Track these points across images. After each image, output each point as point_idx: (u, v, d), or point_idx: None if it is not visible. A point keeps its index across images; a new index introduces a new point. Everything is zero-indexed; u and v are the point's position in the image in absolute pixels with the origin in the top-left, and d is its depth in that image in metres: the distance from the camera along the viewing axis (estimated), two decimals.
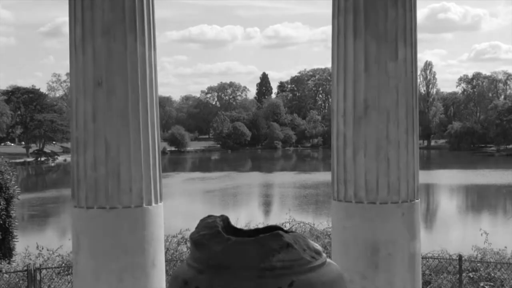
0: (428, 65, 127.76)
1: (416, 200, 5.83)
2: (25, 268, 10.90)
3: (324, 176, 67.56)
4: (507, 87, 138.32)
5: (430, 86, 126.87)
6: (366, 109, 5.64)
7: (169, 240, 13.77)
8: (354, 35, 5.65)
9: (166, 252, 13.14)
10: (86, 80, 5.60)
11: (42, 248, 13.11)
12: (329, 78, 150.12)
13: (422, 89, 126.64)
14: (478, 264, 12.04)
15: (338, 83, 5.81)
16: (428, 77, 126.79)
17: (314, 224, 15.50)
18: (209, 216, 2.52)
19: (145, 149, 5.72)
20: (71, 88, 5.75)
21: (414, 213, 5.78)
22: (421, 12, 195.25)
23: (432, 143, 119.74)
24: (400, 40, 5.63)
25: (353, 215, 5.71)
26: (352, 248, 5.70)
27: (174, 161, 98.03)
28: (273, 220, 33.66)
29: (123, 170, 5.61)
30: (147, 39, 5.74)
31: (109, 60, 5.57)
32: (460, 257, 10.73)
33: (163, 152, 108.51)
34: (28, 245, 13.18)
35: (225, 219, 2.51)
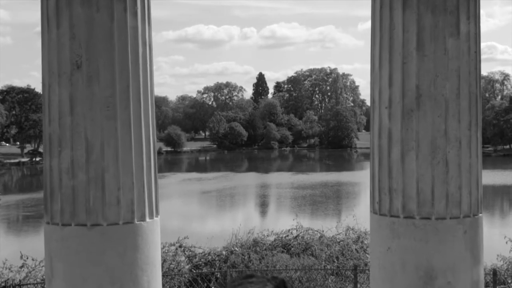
0: None
1: (480, 214, 4.62)
2: (3, 284, 9.65)
3: (321, 177, 66.94)
4: (504, 87, 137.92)
5: None
6: (418, 98, 4.43)
7: (166, 250, 12.54)
8: (403, 5, 4.44)
9: (162, 264, 11.91)
10: (61, 61, 4.38)
11: (27, 258, 11.86)
12: (325, 78, 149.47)
13: None
14: (505, 276, 10.99)
15: (381, 67, 4.59)
16: None
17: (323, 231, 14.32)
18: (250, 277, 1.29)
19: (137, 150, 4.50)
20: (43, 71, 4.53)
21: (477, 231, 4.58)
22: None
23: None
24: (462, 10, 4.42)
25: (401, 234, 4.50)
26: (400, 276, 4.49)
27: (170, 162, 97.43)
28: (275, 225, 32.59)
29: (108, 177, 4.39)
30: (140, 9, 4.52)
31: (91, 36, 4.35)
32: (494, 271, 9.57)
33: (159, 153, 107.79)
34: (6, 259, 11.89)
35: (279, 284, 1.28)
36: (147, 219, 4.56)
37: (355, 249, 13.44)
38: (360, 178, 66.33)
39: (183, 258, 13.20)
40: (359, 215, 15.62)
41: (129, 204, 4.45)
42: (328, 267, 12.40)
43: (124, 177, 4.42)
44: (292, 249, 13.37)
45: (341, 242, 13.95)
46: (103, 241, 4.38)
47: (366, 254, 13.41)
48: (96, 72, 4.35)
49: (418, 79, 4.42)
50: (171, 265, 12.58)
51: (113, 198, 4.40)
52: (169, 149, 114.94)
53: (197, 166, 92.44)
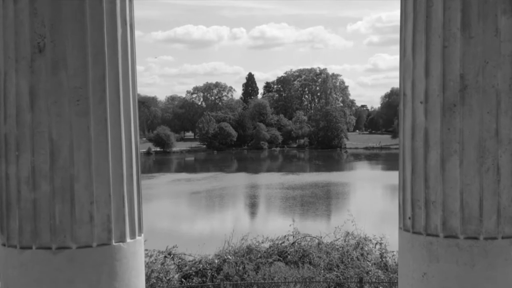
0: None
1: None
2: None
3: (311, 177, 66.49)
4: None
5: None
6: (463, 90, 3.60)
7: (153, 260, 11.66)
8: None
9: (149, 275, 11.04)
10: (19, 44, 3.50)
11: None
12: (315, 78, 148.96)
13: None
14: None
15: (415, 52, 3.75)
16: None
17: (321, 237, 13.51)
18: None
19: (115, 154, 3.62)
20: None
21: None
22: None
23: None
24: None
25: (440, 257, 3.66)
26: None
27: (159, 162, 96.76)
28: (266, 226, 31.85)
29: (79, 188, 3.52)
30: None
31: (57, 12, 3.47)
32: None
33: (148, 153, 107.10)
34: None
35: None
36: (128, 239, 3.69)
37: (356, 257, 12.64)
38: (349, 178, 65.84)
39: (172, 267, 12.34)
40: (355, 219, 14.84)
41: (105, 221, 3.58)
42: (328, 276, 11.58)
43: (98, 187, 3.55)
44: (289, 257, 12.54)
45: (340, 249, 13.16)
46: (72, 268, 3.51)
47: (367, 262, 12.63)
48: (63, 57, 3.47)
49: (462, 67, 3.58)
50: (160, 275, 11.71)
51: (85, 214, 3.53)
52: (158, 149, 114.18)
53: (186, 167, 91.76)
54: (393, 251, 12.64)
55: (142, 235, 3.87)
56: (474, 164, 3.59)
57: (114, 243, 3.61)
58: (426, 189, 3.72)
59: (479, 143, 3.59)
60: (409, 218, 3.82)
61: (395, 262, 12.27)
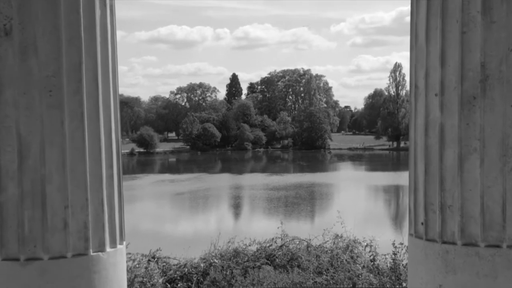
0: (397, 67, 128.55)
1: None
2: None
3: (295, 178, 66.32)
4: None
5: (400, 87, 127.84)
6: (484, 81, 3.22)
7: (136, 265, 11.19)
8: None
9: (132, 280, 10.60)
10: None
11: None
12: (299, 79, 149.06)
13: (392, 91, 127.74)
14: None
15: (428, 39, 3.37)
16: (398, 78, 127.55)
17: (310, 239, 13.10)
18: None
19: (93, 152, 3.20)
20: None
21: None
22: (389, 15, 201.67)
23: (402, 144, 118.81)
24: None
25: (458, 267, 3.28)
26: None
27: (143, 163, 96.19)
28: (250, 227, 31.51)
29: (51, 190, 3.09)
30: None
31: None
32: None
33: (131, 154, 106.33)
34: None
35: None
36: (108, 249, 3.26)
37: (346, 260, 12.26)
38: (333, 179, 65.76)
39: (156, 271, 11.89)
40: (342, 221, 14.49)
41: (81, 228, 3.15)
42: (318, 280, 11.21)
43: (74, 190, 3.12)
44: (277, 260, 12.13)
45: (329, 252, 12.77)
46: (44, 282, 3.08)
47: (357, 265, 12.27)
48: (33, 41, 3.04)
49: (483, 55, 3.21)
50: (144, 279, 11.25)
51: (58, 221, 3.10)
52: (141, 150, 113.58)
53: (170, 167, 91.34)
54: (384, 254, 12.30)
55: (124, 243, 3.45)
56: (496, 164, 3.22)
57: (91, 253, 3.18)
58: (442, 191, 3.33)
59: (502, 140, 3.21)
60: (422, 223, 3.44)
61: (387, 266, 11.93)
